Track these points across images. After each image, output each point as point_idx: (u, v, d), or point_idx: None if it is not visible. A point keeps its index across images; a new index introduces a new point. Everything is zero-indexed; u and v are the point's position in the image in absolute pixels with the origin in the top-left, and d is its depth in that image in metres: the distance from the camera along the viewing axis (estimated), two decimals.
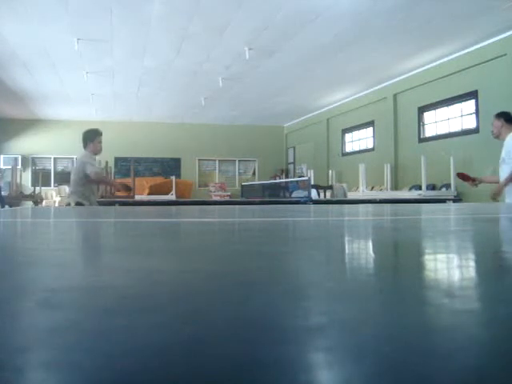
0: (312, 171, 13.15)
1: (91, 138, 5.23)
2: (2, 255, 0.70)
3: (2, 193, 11.18)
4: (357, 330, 0.26)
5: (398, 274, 0.52)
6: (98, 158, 5.89)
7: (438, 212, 2.26)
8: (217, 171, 17.61)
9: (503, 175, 4.52)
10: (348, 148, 13.86)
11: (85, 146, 5.19)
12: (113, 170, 10.53)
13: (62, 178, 15.99)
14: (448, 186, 8.97)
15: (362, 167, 10.99)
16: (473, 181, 4.96)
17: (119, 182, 6.78)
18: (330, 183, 11.48)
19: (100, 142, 5.28)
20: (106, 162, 9.70)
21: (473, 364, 0.21)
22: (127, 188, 6.47)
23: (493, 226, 1.44)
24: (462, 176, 5.12)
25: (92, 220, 1.81)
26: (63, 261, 0.61)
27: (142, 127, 16.41)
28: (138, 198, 8.84)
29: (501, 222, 1.58)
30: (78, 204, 4.77)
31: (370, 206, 3.60)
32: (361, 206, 3.46)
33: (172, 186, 11.75)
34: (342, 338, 0.25)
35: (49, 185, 15.44)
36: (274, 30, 7.67)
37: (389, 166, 11.14)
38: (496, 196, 4.44)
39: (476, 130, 8.72)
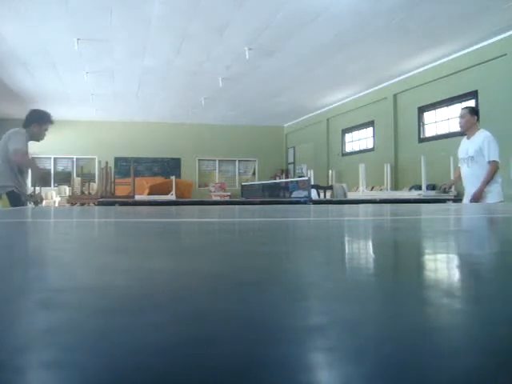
0: (312, 171, 13.16)
1: (40, 120, 4.36)
2: (1, 255, 0.70)
3: None
4: (357, 330, 0.26)
5: (397, 274, 0.52)
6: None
7: (438, 212, 2.26)
8: (217, 171, 17.61)
9: (474, 175, 4.55)
10: (348, 148, 13.86)
11: (27, 125, 4.30)
12: (113, 170, 10.53)
13: (62, 178, 16.00)
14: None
15: (361, 167, 10.99)
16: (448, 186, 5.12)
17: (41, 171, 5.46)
18: (329, 183, 11.48)
19: (46, 130, 4.44)
20: (106, 163, 9.70)
21: (473, 364, 0.21)
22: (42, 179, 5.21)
23: (492, 226, 1.44)
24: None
25: (92, 220, 1.81)
26: (63, 261, 0.61)
27: (142, 127, 16.41)
28: (137, 198, 8.84)
29: (501, 222, 1.58)
30: (12, 194, 4.05)
31: (370, 206, 3.60)
32: (361, 206, 3.46)
33: (172, 186, 11.76)
34: (342, 338, 0.25)
35: (49, 185, 15.44)
36: (273, 30, 7.67)
37: (389, 165, 11.14)
38: (479, 199, 4.46)
39: None
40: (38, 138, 4.39)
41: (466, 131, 4.70)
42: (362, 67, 9.87)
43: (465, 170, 4.70)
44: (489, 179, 4.44)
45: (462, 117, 4.72)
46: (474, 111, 4.78)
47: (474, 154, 4.53)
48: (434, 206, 3.27)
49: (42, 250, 0.80)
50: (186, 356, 0.22)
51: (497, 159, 4.45)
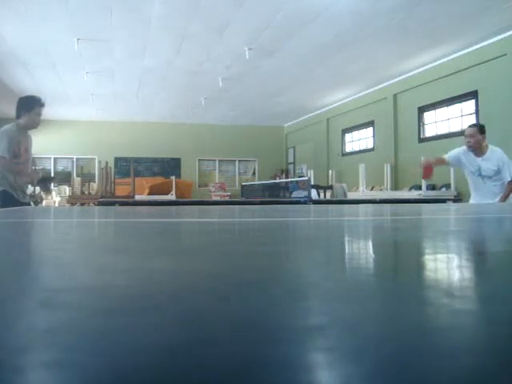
0: (312, 171, 13.17)
1: (28, 107, 4.20)
2: (1, 255, 0.70)
3: None
4: (357, 330, 0.26)
5: (397, 274, 0.52)
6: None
7: (438, 212, 2.26)
8: (217, 171, 17.61)
9: (490, 191, 4.51)
10: (348, 148, 13.86)
11: (18, 116, 4.21)
12: (113, 170, 10.52)
13: (62, 178, 15.99)
14: (448, 186, 8.97)
15: (361, 167, 10.99)
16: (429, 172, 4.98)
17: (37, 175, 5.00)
18: (329, 183, 11.48)
19: (38, 115, 4.24)
20: (106, 163, 9.70)
21: (473, 364, 0.21)
22: (44, 184, 5.07)
23: (492, 226, 1.44)
24: (427, 170, 5.00)
25: (91, 220, 1.81)
26: (62, 261, 0.61)
27: (142, 127, 16.41)
28: (137, 198, 8.83)
29: (500, 222, 1.58)
30: (3, 194, 3.89)
31: (370, 206, 3.60)
32: (361, 206, 3.46)
33: (172, 186, 11.76)
34: (342, 338, 0.25)
35: (48, 189, 15.41)
36: (273, 30, 7.67)
37: (389, 165, 11.14)
38: None
39: None
40: (31, 125, 4.20)
41: (477, 149, 4.54)
42: (362, 67, 9.87)
43: (479, 184, 4.61)
44: (506, 197, 4.40)
45: (471, 136, 4.52)
46: (483, 129, 4.60)
47: (491, 174, 4.47)
48: (434, 206, 3.27)
49: (41, 250, 0.80)
50: (186, 356, 0.22)
51: None
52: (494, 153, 4.53)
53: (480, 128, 4.63)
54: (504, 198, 4.42)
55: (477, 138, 4.51)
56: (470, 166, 4.64)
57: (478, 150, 4.54)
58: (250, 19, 7.27)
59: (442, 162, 4.97)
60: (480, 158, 4.55)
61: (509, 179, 4.40)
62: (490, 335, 0.25)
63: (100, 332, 0.26)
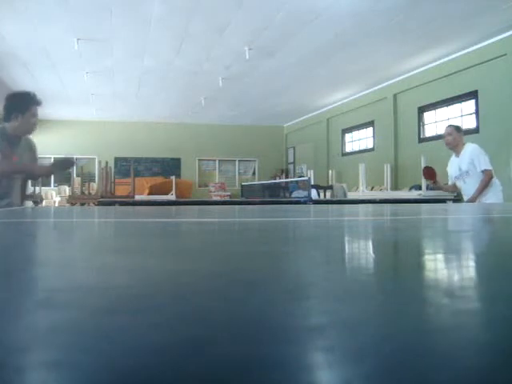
0: (312, 171, 13.15)
1: (22, 107, 3.21)
2: (0, 255, 0.70)
3: None
4: (357, 330, 0.26)
5: (397, 274, 0.52)
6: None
7: (438, 212, 2.26)
8: (217, 171, 17.61)
9: (470, 188, 4.59)
10: (348, 148, 13.86)
11: (7, 118, 3.20)
12: (113, 170, 10.52)
13: (62, 178, 16.00)
14: None
15: (361, 167, 10.98)
16: (434, 181, 5.16)
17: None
18: (330, 183, 11.47)
19: (35, 116, 3.28)
20: (106, 162, 9.69)
21: (473, 364, 0.21)
22: (63, 165, 4.11)
23: (492, 226, 1.44)
24: (427, 173, 5.25)
25: (91, 220, 1.81)
26: (63, 261, 0.61)
27: (142, 127, 16.42)
28: (137, 198, 8.83)
29: (500, 222, 1.58)
30: None
31: (370, 206, 3.60)
32: (361, 206, 3.46)
33: (172, 186, 11.76)
34: (342, 338, 0.25)
35: (49, 185, 15.44)
36: (274, 29, 7.67)
37: (389, 165, 11.14)
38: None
39: (476, 130, 8.72)
40: (26, 131, 3.33)
41: (454, 148, 4.75)
42: (362, 67, 9.87)
43: (462, 186, 4.74)
44: (482, 188, 4.50)
45: (449, 134, 4.75)
46: (459, 129, 4.86)
47: (467, 168, 4.60)
48: (434, 206, 3.27)
49: (41, 250, 0.80)
50: (186, 356, 0.22)
51: (489, 167, 4.52)
52: (468, 147, 4.70)
53: (456, 127, 4.87)
54: (480, 190, 4.47)
55: (454, 135, 4.73)
56: (455, 171, 4.78)
57: (455, 148, 4.75)
58: (250, 19, 7.27)
59: (453, 188, 5.10)
60: (458, 158, 4.73)
61: (478, 170, 4.52)
62: (489, 335, 0.25)
63: (100, 332, 0.26)
